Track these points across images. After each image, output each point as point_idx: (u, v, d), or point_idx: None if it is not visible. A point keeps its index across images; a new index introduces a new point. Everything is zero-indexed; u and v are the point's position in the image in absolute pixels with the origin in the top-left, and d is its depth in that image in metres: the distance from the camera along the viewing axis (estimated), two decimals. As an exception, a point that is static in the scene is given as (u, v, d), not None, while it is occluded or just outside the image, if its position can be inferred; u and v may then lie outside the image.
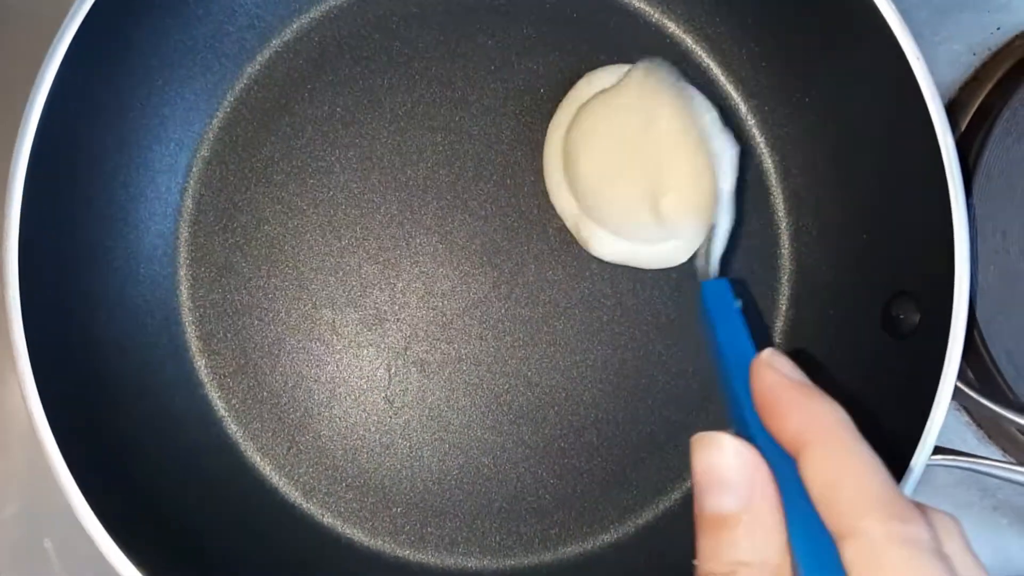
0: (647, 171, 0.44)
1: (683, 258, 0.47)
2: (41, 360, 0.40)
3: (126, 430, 0.44)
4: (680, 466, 0.48)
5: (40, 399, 0.40)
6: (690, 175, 0.44)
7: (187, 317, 0.48)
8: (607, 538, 0.48)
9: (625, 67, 0.47)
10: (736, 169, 0.45)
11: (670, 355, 0.48)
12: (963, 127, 0.51)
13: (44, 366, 0.40)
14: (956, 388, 0.42)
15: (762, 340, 0.49)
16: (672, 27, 0.50)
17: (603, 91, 0.46)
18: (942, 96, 0.43)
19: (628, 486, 0.48)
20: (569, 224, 0.47)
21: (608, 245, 0.47)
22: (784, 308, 0.49)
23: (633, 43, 0.49)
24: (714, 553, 0.31)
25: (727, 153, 0.44)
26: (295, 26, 0.49)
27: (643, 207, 0.44)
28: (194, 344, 0.47)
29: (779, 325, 0.49)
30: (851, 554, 0.28)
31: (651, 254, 0.47)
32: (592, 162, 0.45)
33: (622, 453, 0.48)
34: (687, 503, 0.48)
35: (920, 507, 0.30)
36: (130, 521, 0.41)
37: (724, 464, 0.32)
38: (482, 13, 0.49)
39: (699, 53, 0.50)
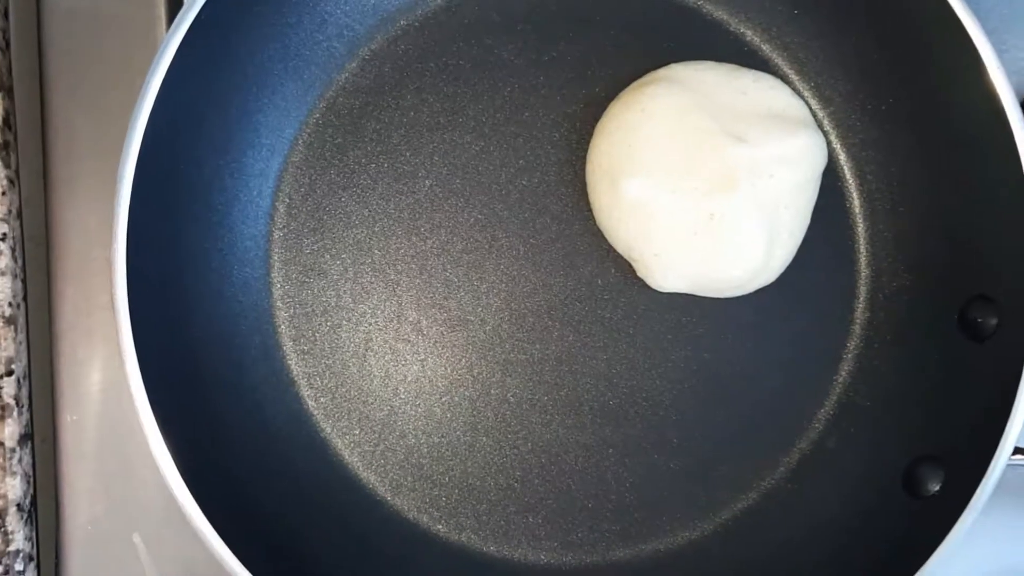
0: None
1: (746, 288, 0.48)
2: (146, 359, 0.41)
3: (222, 427, 0.45)
4: (757, 467, 0.49)
5: (147, 397, 0.41)
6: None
7: (278, 318, 0.49)
8: (686, 536, 0.49)
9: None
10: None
11: (747, 358, 0.49)
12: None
13: (149, 365, 0.41)
14: (1035, 390, 0.43)
15: (836, 349, 0.50)
16: (750, 35, 0.51)
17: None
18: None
19: (707, 485, 0.49)
20: (628, 256, 0.48)
21: (670, 279, 0.48)
22: (860, 311, 0.50)
23: (712, 52, 0.50)
24: None
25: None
26: (382, 35, 0.50)
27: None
28: (285, 344, 0.49)
29: (855, 329, 0.50)
30: None
31: (715, 283, 0.48)
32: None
33: (701, 452, 0.49)
34: (766, 502, 0.49)
35: None
36: (226, 514, 0.42)
37: None
38: (563, 22, 0.50)
39: (777, 61, 0.51)
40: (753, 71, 0.49)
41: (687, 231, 0.46)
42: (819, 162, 0.49)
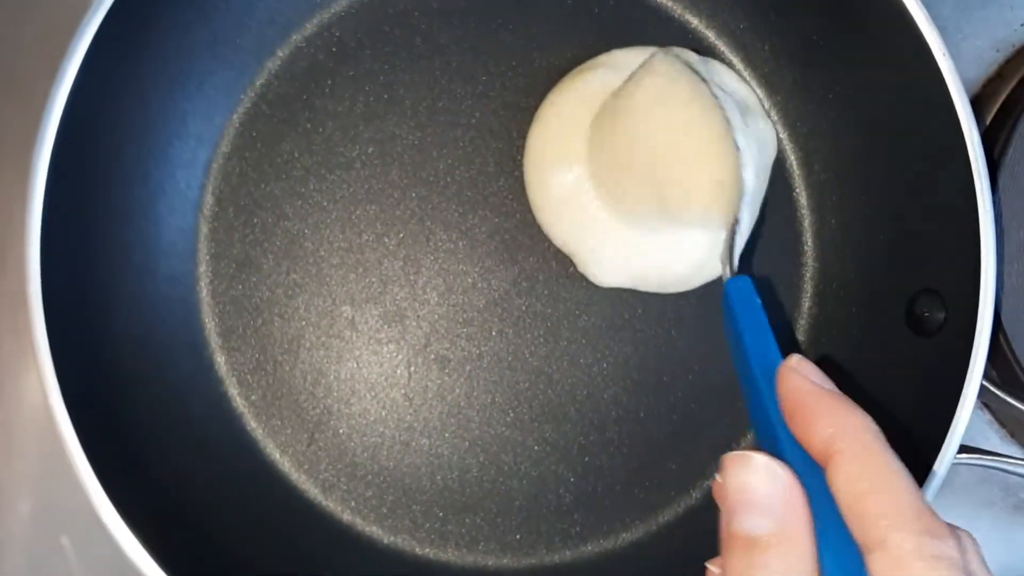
0: (663, 164, 0.43)
1: (689, 283, 0.47)
2: (62, 356, 0.40)
3: (145, 426, 0.44)
4: (701, 464, 0.48)
5: (61, 395, 0.39)
6: (707, 166, 0.43)
7: (206, 313, 0.47)
8: (628, 536, 0.48)
9: (613, 54, 0.47)
10: (763, 161, 0.45)
11: (691, 352, 0.48)
12: (986, 124, 0.51)
13: (65, 362, 0.40)
14: (981, 386, 0.42)
15: (785, 343, 0.49)
16: (695, 22, 0.50)
17: (616, 89, 0.46)
18: (966, 93, 0.43)
19: (649, 484, 0.48)
20: (565, 251, 0.47)
21: (608, 273, 0.46)
22: (807, 306, 0.49)
23: (655, 38, 0.48)
24: (744, 573, 0.30)
25: (751, 142, 0.44)
26: (315, 21, 0.49)
27: (656, 201, 0.44)
28: (213, 340, 0.47)
29: (802, 323, 0.49)
30: (878, 566, 0.28)
31: (657, 278, 0.46)
32: (610, 157, 0.44)
33: (643, 451, 0.48)
34: (708, 502, 0.48)
35: (948, 525, 0.30)
36: (149, 517, 0.40)
37: (759, 485, 0.31)
38: (503, 8, 0.49)
39: (722, 48, 0.50)
40: (699, 56, 0.47)
41: (622, 224, 0.45)
42: (769, 152, 0.48)
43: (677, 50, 0.47)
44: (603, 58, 0.47)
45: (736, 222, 0.43)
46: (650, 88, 0.43)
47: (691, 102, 0.43)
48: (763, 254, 0.48)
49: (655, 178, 0.43)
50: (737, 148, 0.43)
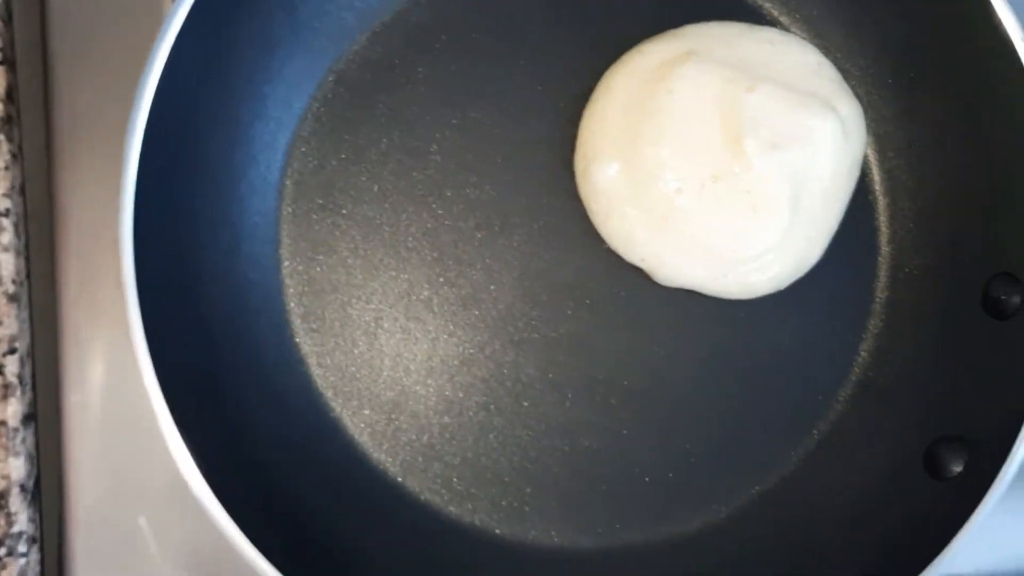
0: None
1: (752, 293, 0.47)
2: (153, 336, 0.40)
3: (231, 406, 0.45)
4: (776, 449, 0.48)
5: (155, 375, 0.40)
6: None
7: (287, 295, 0.48)
8: (703, 519, 0.48)
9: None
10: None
11: (768, 338, 0.48)
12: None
13: (156, 342, 0.40)
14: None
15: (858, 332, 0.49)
16: (768, 7, 0.50)
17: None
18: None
19: (724, 468, 0.48)
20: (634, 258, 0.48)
21: (666, 278, 0.47)
22: (881, 289, 0.49)
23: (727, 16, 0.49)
24: None
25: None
26: (393, 7, 0.49)
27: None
28: (294, 322, 0.48)
29: (876, 308, 0.49)
30: None
31: (723, 284, 0.47)
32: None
33: (719, 435, 0.48)
34: (784, 484, 0.48)
35: None
36: (234, 493, 0.41)
37: None
38: (590, -8, 0.49)
39: (798, 34, 0.50)
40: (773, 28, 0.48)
41: (673, 223, 0.45)
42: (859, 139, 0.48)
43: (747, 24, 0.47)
44: (670, 32, 0.47)
45: None
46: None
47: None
48: (836, 239, 0.48)
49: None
50: None
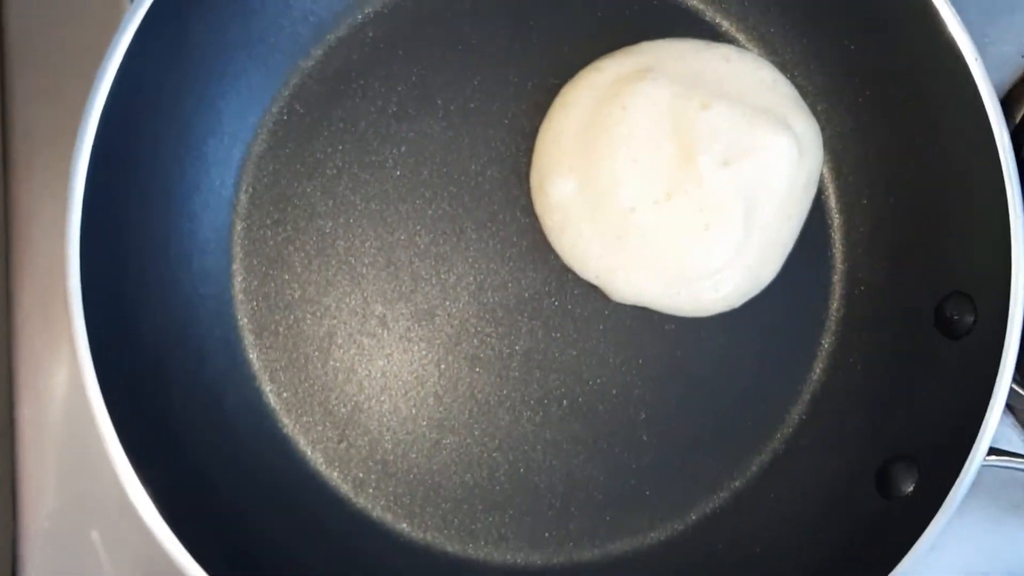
0: None
1: (703, 312, 0.47)
2: (99, 350, 0.40)
3: (179, 421, 0.44)
4: (730, 465, 0.48)
5: (99, 387, 0.40)
6: None
7: (240, 310, 0.48)
8: (656, 535, 0.48)
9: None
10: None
11: (722, 353, 0.48)
12: (1012, 128, 0.51)
13: (101, 356, 0.40)
14: (1010, 389, 0.42)
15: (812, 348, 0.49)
16: (726, 25, 0.50)
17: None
18: (991, 97, 0.43)
19: (678, 484, 0.48)
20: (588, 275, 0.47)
21: (619, 296, 0.47)
22: (835, 307, 0.49)
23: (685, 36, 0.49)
24: None
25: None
26: (348, 21, 0.49)
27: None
28: (246, 337, 0.48)
29: (831, 326, 0.49)
30: None
31: (677, 301, 0.47)
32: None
33: (672, 451, 0.48)
34: (737, 501, 0.48)
35: None
36: (181, 508, 0.41)
37: None
38: (534, 7, 0.49)
39: (755, 51, 0.50)
40: (729, 45, 0.48)
41: (627, 240, 0.45)
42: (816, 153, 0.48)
43: (703, 41, 0.48)
44: (627, 48, 0.47)
45: None
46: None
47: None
48: (792, 256, 0.48)
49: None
50: None
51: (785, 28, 0.49)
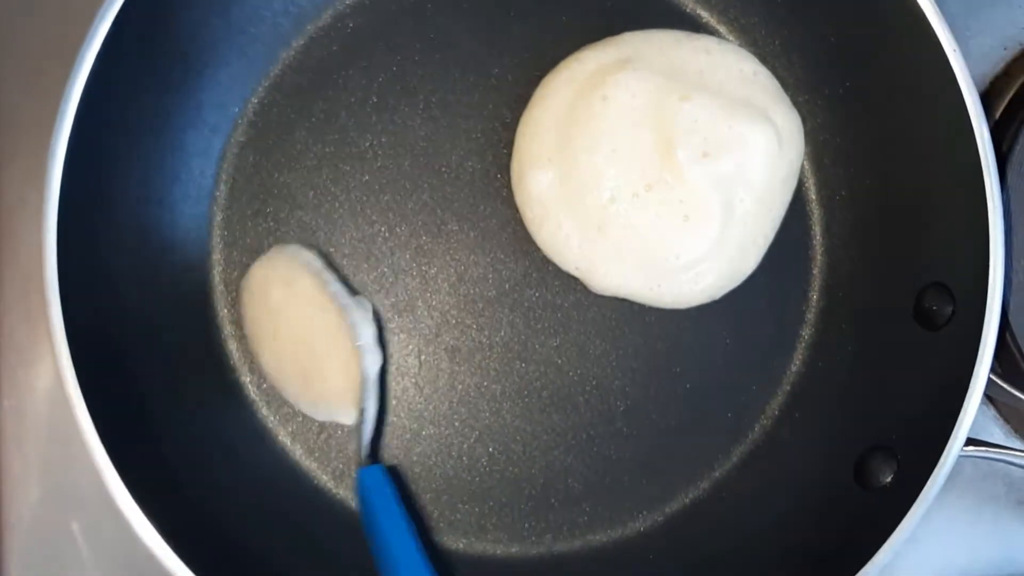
0: (305, 353, 0.45)
1: (684, 304, 0.47)
2: (77, 341, 0.40)
3: (157, 412, 0.44)
4: (709, 456, 0.48)
5: (76, 379, 0.40)
6: (333, 361, 0.45)
7: (219, 300, 0.48)
8: (635, 526, 0.48)
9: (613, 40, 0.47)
10: (378, 355, 0.45)
11: (701, 345, 0.48)
12: (995, 120, 0.51)
13: (79, 347, 0.40)
14: (988, 380, 0.43)
15: (792, 339, 0.49)
16: (706, 16, 0.50)
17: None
18: (975, 90, 0.43)
19: (657, 475, 0.48)
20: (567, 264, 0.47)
21: (599, 287, 0.47)
22: (816, 298, 0.49)
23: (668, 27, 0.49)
24: None
25: (366, 337, 0.45)
26: (330, 12, 0.49)
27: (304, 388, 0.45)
28: (226, 328, 0.48)
29: (810, 317, 0.49)
30: None
31: (656, 293, 0.47)
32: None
33: (651, 442, 0.48)
34: (716, 493, 0.48)
35: None
36: (160, 500, 0.41)
37: None
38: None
39: (736, 43, 0.50)
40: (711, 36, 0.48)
41: (606, 232, 0.45)
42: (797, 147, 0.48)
43: (683, 32, 0.48)
44: (608, 39, 0.47)
45: (362, 413, 0.45)
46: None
47: (308, 302, 0.45)
48: (773, 248, 0.48)
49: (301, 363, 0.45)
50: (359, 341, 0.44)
51: (766, 20, 0.49)
